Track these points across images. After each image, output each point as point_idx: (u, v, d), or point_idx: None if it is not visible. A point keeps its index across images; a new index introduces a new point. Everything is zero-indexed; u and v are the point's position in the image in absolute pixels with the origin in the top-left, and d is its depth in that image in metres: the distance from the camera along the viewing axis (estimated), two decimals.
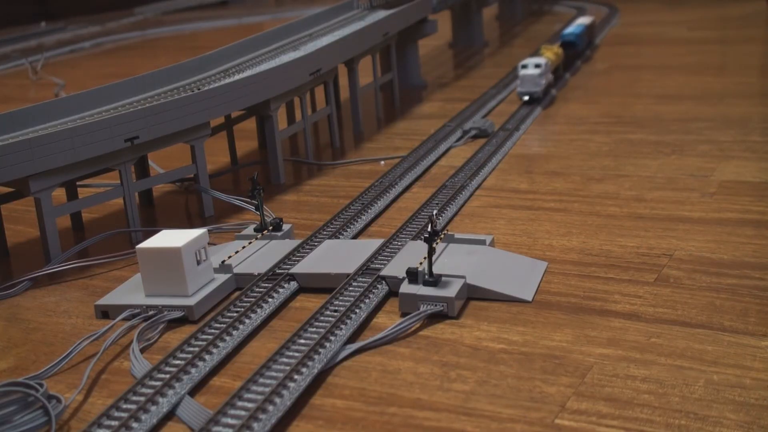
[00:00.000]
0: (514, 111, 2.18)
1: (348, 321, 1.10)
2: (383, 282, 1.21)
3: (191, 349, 1.06)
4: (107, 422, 0.91)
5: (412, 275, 1.16)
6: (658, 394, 0.91)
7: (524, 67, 2.26)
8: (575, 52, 2.77)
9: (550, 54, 2.43)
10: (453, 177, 1.67)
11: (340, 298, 1.16)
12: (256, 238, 1.39)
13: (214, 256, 1.31)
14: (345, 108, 2.42)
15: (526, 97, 2.23)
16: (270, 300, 1.20)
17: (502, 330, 1.08)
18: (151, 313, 1.17)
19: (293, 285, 1.25)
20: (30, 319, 1.24)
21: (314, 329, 1.07)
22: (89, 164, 1.44)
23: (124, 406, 0.93)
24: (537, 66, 2.25)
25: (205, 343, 1.06)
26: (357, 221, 1.49)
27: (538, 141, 1.94)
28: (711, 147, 1.78)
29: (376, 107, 2.33)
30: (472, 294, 1.17)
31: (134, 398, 0.95)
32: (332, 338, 1.05)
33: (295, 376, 0.96)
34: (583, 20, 3.05)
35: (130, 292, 1.24)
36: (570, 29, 2.86)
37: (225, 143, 1.96)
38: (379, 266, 1.24)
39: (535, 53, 2.67)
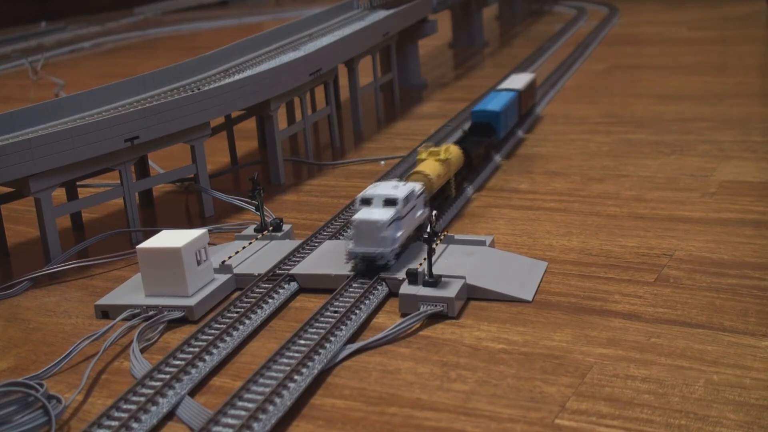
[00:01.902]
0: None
1: (348, 321, 1.10)
2: (383, 283, 1.21)
3: (191, 349, 1.06)
4: (107, 422, 0.91)
5: (412, 276, 1.16)
6: (658, 394, 0.91)
7: (365, 202, 1.22)
8: (491, 142, 1.74)
9: (431, 167, 1.40)
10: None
11: (341, 298, 1.16)
12: (256, 239, 1.39)
13: (214, 256, 1.30)
14: (345, 108, 2.42)
15: (361, 262, 1.21)
16: (270, 300, 1.20)
17: (502, 330, 1.08)
18: (151, 313, 1.17)
19: (293, 285, 1.24)
20: (30, 319, 1.24)
21: (314, 329, 1.07)
22: (89, 164, 1.44)
23: (124, 407, 0.93)
24: (390, 203, 1.21)
25: (205, 343, 1.06)
26: None
27: (538, 141, 1.94)
28: (711, 147, 1.78)
29: (376, 107, 2.33)
30: (472, 294, 1.17)
31: (134, 398, 0.95)
32: (332, 338, 1.05)
33: (295, 377, 0.96)
34: (517, 81, 2.03)
35: (130, 292, 1.24)
36: (487, 102, 1.83)
37: (225, 143, 1.96)
38: None
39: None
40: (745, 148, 1.75)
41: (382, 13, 2.46)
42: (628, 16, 3.83)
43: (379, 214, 1.20)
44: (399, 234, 1.22)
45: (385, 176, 1.71)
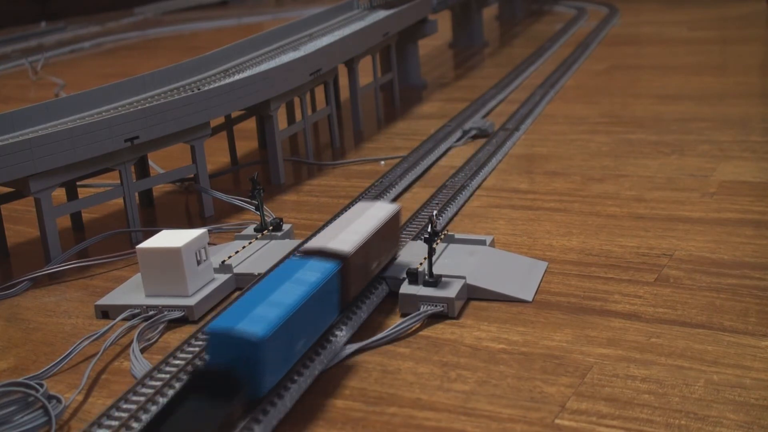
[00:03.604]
0: (513, 111, 2.18)
1: (348, 321, 1.10)
2: (384, 282, 1.21)
3: (191, 349, 1.06)
4: (107, 422, 0.90)
5: (413, 276, 1.16)
6: (658, 394, 0.91)
7: None
8: (233, 409, 0.81)
9: None
10: (453, 177, 1.66)
11: None
12: (256, 238, 1.39)
13: (214, 256, 1.30)
14: (345, 108, 2.41)
15: None
16: None
17: (502, 330, 1.08)
18: (151, 313, 1.17)
19: None
20: (30, 319, 1.24)
21: None
22: (89, 164, 1.44)
23: (124, 406, 0.93)
24: None
25: (205, 343, 1.06)
26: None
27: (538, 141, 1.94)
28: (711, 147, 1.78)
29: (376, 107, 2.33)
30: (473, 294, 1.17)
31: (134, 398, 0.95)
32: (332, 338, 1.05)
33: (295, 377, 0.96)
34: (355, 227, 1.10)
35: (130, 292, 1.24)
36: (245, 304, 0.88)
37: (225, 143, 1.96)
38: None
39: None
40: (744, 148, 1.75)
41: (382, 13, 2.46)
42: (628, 16, 3.83)
43: None
44: None
45: (385, 176, 1.71)
